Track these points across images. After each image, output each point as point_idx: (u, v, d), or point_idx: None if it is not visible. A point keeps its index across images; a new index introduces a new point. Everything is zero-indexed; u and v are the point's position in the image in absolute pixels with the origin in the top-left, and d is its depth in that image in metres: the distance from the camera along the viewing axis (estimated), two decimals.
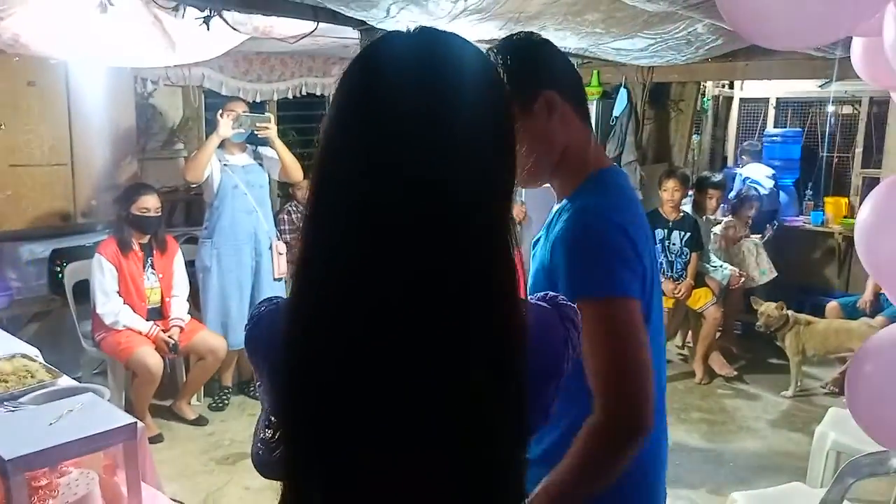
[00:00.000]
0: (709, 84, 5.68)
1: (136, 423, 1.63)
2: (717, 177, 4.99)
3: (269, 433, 0.85)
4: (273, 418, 0.83)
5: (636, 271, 1.09)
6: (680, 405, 4.20)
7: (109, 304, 3.54)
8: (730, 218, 5.09)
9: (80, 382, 2.46)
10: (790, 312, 4.43)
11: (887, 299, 4.51)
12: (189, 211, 4.63)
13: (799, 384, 4.40)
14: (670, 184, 4.38)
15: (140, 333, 3.57)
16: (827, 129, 6.02)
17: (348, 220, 0.71)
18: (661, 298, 1.27)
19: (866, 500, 2.95)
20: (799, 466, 3.45)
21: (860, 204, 4.82)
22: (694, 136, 5.55)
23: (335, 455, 0.72)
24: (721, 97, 6.04)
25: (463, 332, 0.69)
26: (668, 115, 5.47)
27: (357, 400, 0.70)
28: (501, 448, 0.72)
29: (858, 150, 5.60)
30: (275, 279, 4.04)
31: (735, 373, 4.62)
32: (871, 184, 4.83)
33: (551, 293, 0.88)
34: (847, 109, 5.92)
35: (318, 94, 5.16)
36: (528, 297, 0.87)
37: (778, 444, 3.85)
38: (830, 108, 6.02)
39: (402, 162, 0.69)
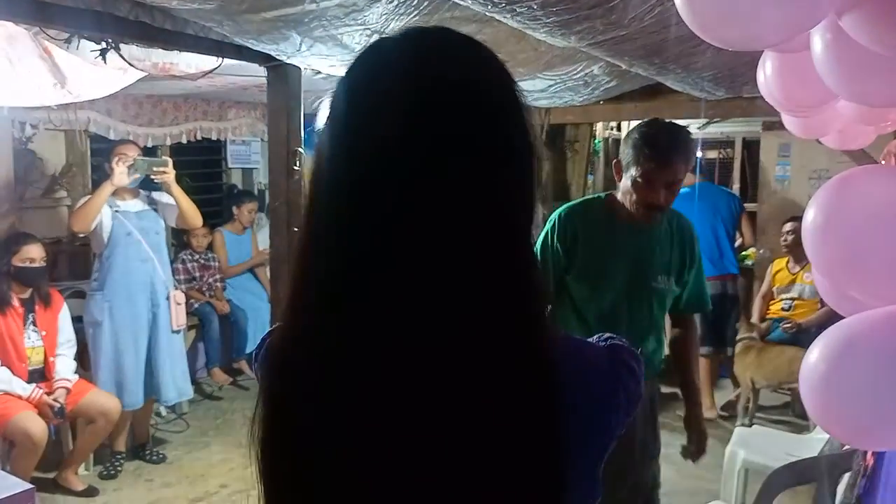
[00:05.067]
0: (599, 126, 5.96)
1: (33, 489, 1.44)
2: None
3: None
4: None
5: None
6: None
7: None
8: None
9: None
10: None
11: (775, 323, 4.82)
12: (73, 263, 4.29)
13: None
14: None
15: (20, 398, 3.23)
16: (711, 168, 6.44)
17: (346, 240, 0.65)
18: None
19: None
20: (709, 488, 3.56)
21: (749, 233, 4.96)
22: (588, 176, 5.78)
23: None
24: (610, 139, 6.35)
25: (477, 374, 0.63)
26: (564, 155, 5.69)
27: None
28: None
29: (736, 186, 6.03)
30: (173, 331, 3.78)
31: None
32: (748, 217, 5.19)
33: (608, 334, 0.78)
34: (725, 150, 6.39)
35: (214, 138, 4.99)
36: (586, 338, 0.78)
37: (687, 467, 3.95)
38: (703, 151, 6.46)
39: (392, 177, 0.64)
